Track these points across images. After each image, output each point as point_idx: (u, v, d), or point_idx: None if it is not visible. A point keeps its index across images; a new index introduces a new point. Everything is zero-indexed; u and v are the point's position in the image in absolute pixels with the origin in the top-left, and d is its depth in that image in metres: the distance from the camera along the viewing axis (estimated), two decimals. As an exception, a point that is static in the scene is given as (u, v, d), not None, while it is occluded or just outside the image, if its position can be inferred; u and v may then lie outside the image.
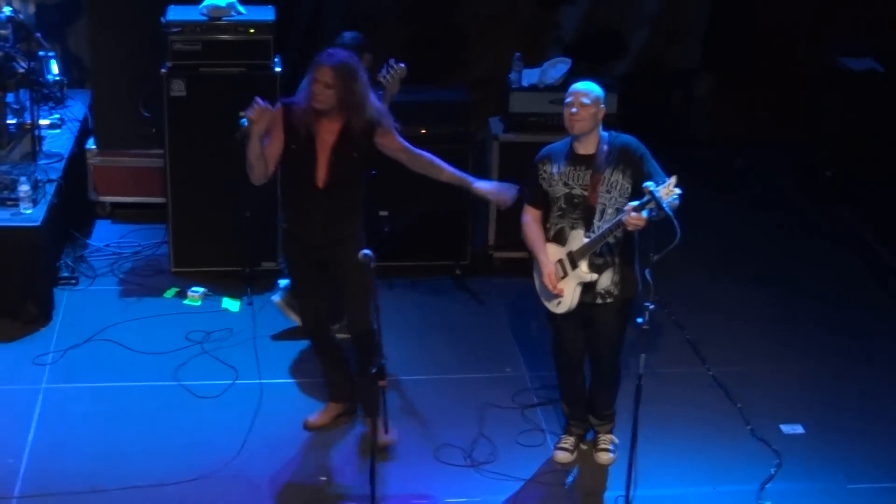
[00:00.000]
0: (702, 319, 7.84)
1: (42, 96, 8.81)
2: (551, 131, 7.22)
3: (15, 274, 7.51)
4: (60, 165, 8.34)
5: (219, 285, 8.04)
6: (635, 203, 5.81)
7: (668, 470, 6.42)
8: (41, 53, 8.89)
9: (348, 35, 7.33)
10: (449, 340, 7.62)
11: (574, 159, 6.11)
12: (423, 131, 8.02)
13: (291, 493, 6.25)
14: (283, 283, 7.59)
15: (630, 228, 5.89)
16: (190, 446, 6.50)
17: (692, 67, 10.51)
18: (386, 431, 5.97)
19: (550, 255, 6.17)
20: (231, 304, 7.90)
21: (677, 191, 5.73)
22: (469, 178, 6.40)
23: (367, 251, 5.61)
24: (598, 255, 6.07)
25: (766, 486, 6.32)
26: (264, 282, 8.01)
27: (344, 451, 6.52)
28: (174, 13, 8.03)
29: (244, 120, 6.10)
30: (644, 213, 5.78)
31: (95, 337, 7.45)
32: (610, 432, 6.56)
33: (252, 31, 7.99)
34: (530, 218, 6.25)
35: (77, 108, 9.21)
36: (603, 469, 6.46)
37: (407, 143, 6.34)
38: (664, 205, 5.66)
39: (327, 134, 6.18)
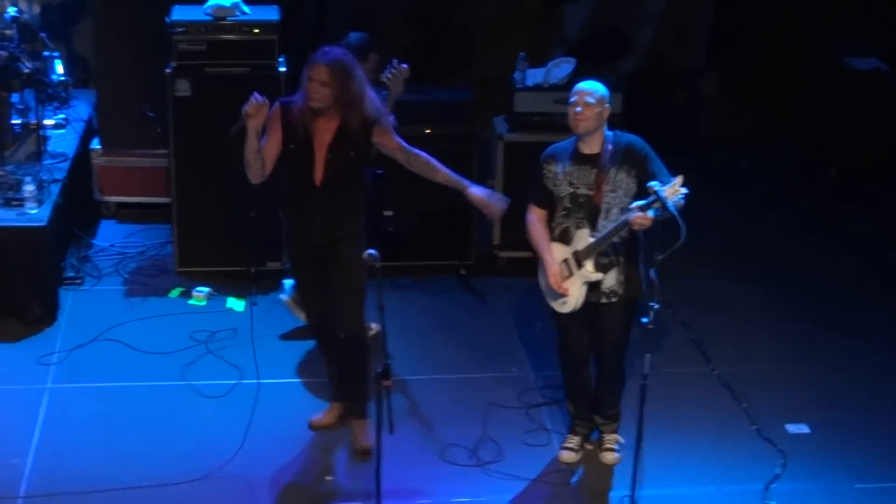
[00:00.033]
0: (707, 319, 7.82)
1: (47, 96, 8.80)
2: (556, 131, 7.19)
3: (20, 274, 7.51)
4: (65, 165, 8.35)
5: (224, 285, 8.04)
6: (641, 202, 5.81)
7: (674, 470, 6.41)
8: (46, 53, 8.88)
9: (354, 36, 7.30)
10: (454, 340, 7.62)
11: (579, 159, 6.10)
12: (428, 131, 8.03)
13: (295, 493, 6.25)
14: (288, 282, 7.59)
15: (636, 228, 5.89)
16: (194, 446, 6.50)
17: (697, 67, 10.49)
18: (391, 431, 5.95)
19: (555, 254, 6.16)
20: (236, 304, 7.90)
21: (683, 190, 5.72)
22: (464, 182, 6.34)
23: (372, 251, 5.61)
24: (604, 255, 6.07)
25: (772, 486, 6.31)
26: (269, 282, 8.00)
27: (349, 451, 6.51)
28: (179, 13, 8.04)
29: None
30: (650, 213, 5.77)
31: (100, 337, 7.45)
32: (615, 432, 6.56)
33: (257, 31, 7.99)
34: (535, 217, 6.24)
35: (82, 108, 9.21)
36: (608, 469, 6.46)
37: (404, 143, 6.31)
38: (669, 204, 5.65)
39: (324, 132, 6.16)
